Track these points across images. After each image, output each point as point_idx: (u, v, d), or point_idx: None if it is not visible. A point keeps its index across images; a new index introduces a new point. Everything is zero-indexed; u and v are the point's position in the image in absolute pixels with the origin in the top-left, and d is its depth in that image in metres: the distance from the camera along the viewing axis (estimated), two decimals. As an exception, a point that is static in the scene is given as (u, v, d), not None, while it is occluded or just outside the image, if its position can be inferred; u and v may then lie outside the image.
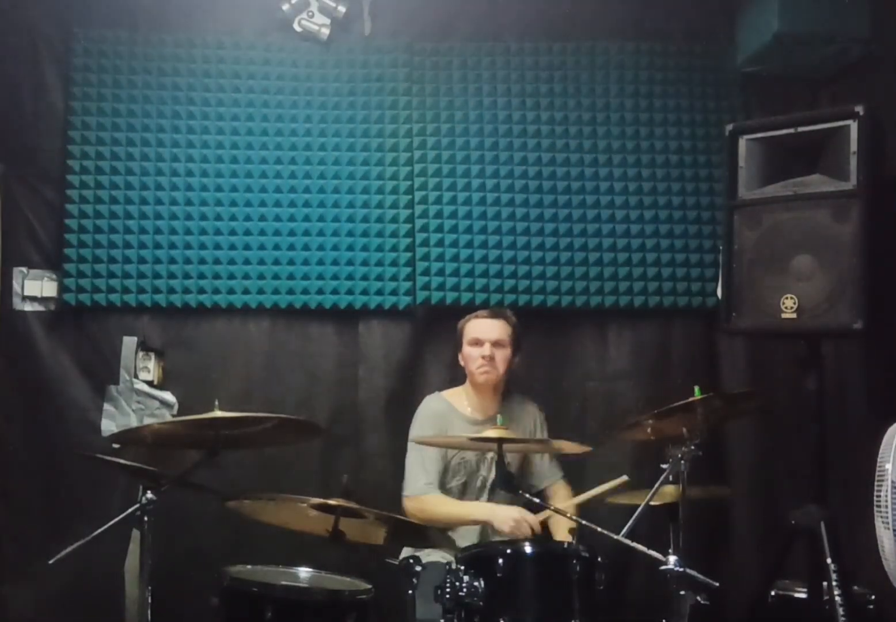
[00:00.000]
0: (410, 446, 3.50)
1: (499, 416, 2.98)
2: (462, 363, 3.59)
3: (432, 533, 3.10)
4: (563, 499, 3.54)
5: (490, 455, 3.41)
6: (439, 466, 3.45)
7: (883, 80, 3.56)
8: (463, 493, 3.49)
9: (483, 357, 3.47)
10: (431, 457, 3.44)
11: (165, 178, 3.85)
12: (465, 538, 3.40)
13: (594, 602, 2.83)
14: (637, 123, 4.01)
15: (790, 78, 3.98)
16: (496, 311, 3.60)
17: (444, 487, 3.47)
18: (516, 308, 3.85)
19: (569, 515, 3.09)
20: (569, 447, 3.08)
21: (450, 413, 3.55)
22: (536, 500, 3.02)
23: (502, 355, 3.50)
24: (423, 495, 3.42)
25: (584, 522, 3.01)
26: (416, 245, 3.90)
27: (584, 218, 3.96)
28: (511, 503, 3.34)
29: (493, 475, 3.43)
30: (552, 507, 3.12)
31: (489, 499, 3.48)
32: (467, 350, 3.53)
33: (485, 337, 3.49)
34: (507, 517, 3.25)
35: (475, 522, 3.41)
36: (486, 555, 2.88)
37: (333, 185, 3.91)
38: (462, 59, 3.99)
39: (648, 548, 2.68)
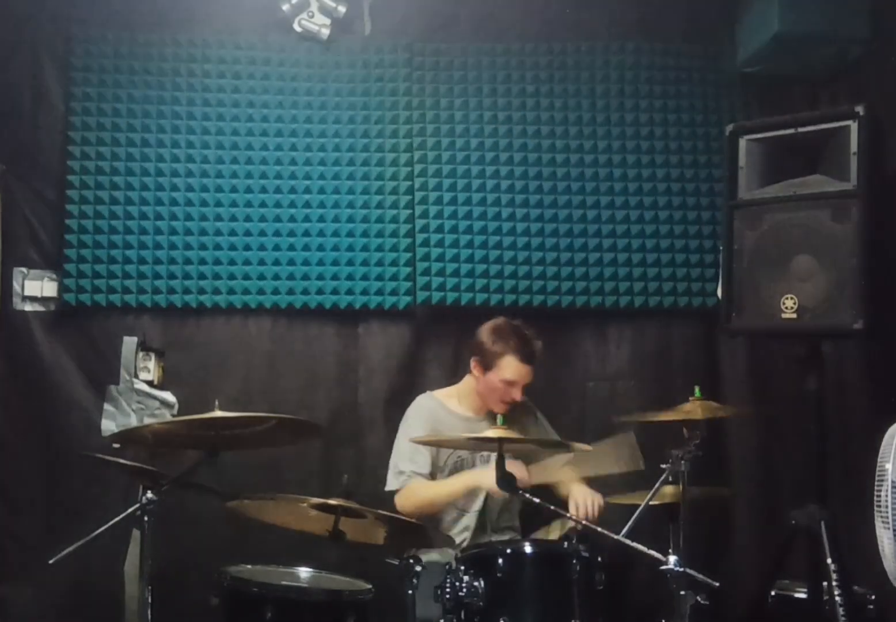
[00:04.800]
0: (396, 443, 3.50)
1: (499, 416, 2.98)
2: (474, 371, 3.52)
3: (432, 533, 3.10)
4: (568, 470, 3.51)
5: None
6: (429, 459, 3.42)
7: (883, 80, 3.56)
8: None
9: (513, 398, 3.43)
10: (422, 452, 3.42)
11: (165, 178, 3.85)
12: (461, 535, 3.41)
13: (594, 602, 2.83)
14: (637, 123, 4.01)
15: (790, 78, 3.98)
16: (532, 352, 3.46)
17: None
18: (516, 308, 3.85)
19: (568, 515, 3.09)
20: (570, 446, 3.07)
21: (441, 411, 3.55)
22: (537, 500, 3.01)
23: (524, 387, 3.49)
24: (405, 486, 3.39)
25: (583, 522, 3.02)
26: (417, 245, 3.90)
27: (584, 218, 3.96)
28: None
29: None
30: (552, 507, 3.11)
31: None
32: (495, 382, 3.46)
33: (521, 380, 3.44)
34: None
35: (465, 491, 3.38)
36: (486, 555, 2.89)
37: (333, 185, 3.91)
38: (462, 59, 3.99)
39: (648, 548, 2.68)
